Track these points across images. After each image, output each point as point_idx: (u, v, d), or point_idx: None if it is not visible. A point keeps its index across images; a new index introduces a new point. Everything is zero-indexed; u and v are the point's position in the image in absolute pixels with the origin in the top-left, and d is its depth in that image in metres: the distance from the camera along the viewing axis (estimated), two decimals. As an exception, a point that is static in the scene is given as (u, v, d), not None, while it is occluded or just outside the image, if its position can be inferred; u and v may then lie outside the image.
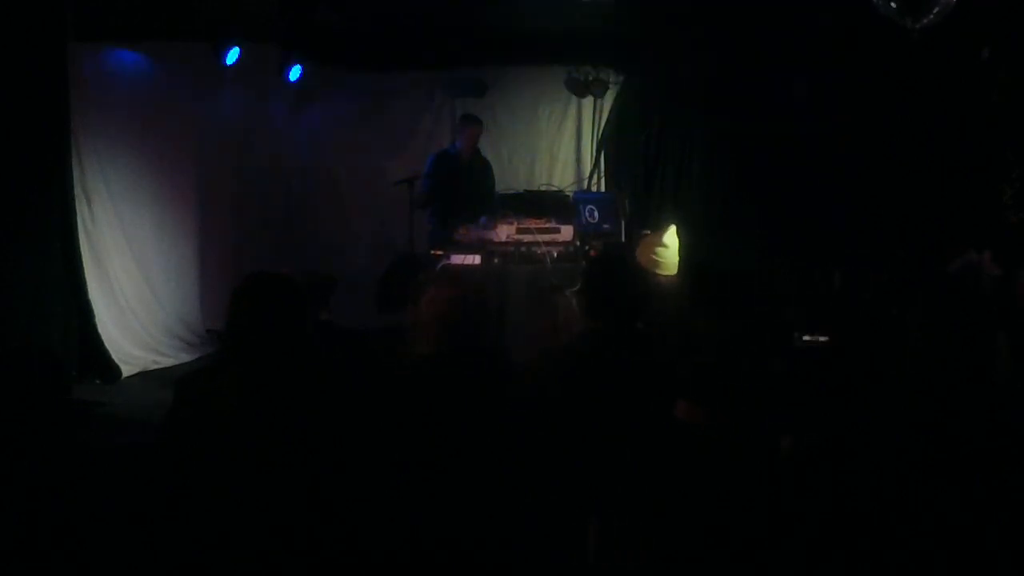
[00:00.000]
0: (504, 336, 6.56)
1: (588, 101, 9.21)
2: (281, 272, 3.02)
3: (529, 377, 3.25)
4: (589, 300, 3.37)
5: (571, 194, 8.08)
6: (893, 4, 4.86)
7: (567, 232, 6.99)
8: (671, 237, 5.23)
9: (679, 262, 5.32)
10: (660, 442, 2.53)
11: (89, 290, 6.82)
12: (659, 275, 5.07)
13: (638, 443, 2.57)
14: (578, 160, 9.42)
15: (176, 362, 7.41)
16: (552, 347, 3.65)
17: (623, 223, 7.02)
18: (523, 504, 2.98)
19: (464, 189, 7.97)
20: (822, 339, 5.60)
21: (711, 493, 2.38)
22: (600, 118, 9.18)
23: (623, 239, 6.92)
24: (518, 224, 7.02)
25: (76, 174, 6.78)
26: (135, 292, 7.42)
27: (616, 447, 2.68)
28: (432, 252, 7.18)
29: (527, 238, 6.92)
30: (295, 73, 8.61)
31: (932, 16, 4.84)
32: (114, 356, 6.94)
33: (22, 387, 2.91)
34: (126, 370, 7.01)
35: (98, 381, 6.80)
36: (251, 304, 2.74)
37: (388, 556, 2.85)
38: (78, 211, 6.78)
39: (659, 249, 5.14)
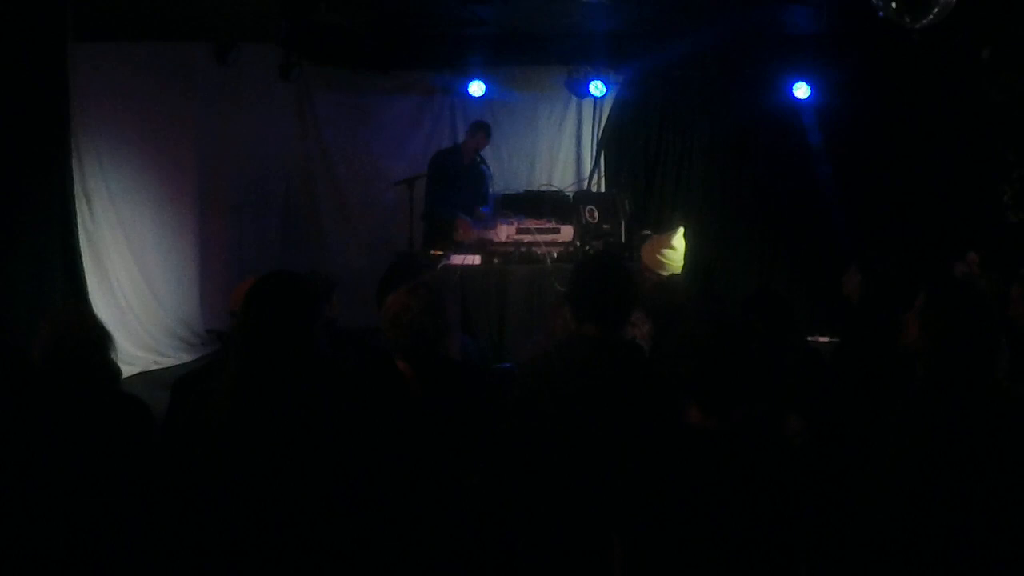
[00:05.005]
0: (504, 336, 6.56)
1: (588, 101, 9.20)
2: (297, 272, 2.97)
3: (517, 384, 3.14)
4: (576, 303, 3.10)
5: (571, 194, 8.08)
6: (893, 4, 4.85)
7: (567, 232, 6.97)
8: (679, 240, 5.21)
9: (684, 265, 5.30)
10: (655, 450, 2.46)
11: (89, 290, 6.81)
12: (662, 276, 5.07)
13: (626, 451, 2.47)
14: (578, 160, 9.41)
15: (176, 362, 7.40)
16: (537, 354, 3.42)
17: (623, 223, 7.00)
18: (522, 509, 2.98)
19: (463, 189, 7.98)
20: (823, 339, 5.60)
21: (724, 497, 2.31)
22: (600, 118, 9.17)
23: (623, 239, 6.90)
24: (518, 224, 7.01)
25: (76, 174, 6.77)
26: (135, 292, 7.42)
27: (602, 456, 2.58)
28: (432, 252, 7.17)
29: (527, 238, 6.91)
30: (298, 74, 8.61)
31: (932, 16, 4.83)
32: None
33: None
34: (126, 370, 6.97)
35: (98, 381, 6.78)
36: (270, 303, 2.68)
37: (388, 556, 2.85)
38: (78, 211, 6.78)
39: (666, 251, 5.12)
